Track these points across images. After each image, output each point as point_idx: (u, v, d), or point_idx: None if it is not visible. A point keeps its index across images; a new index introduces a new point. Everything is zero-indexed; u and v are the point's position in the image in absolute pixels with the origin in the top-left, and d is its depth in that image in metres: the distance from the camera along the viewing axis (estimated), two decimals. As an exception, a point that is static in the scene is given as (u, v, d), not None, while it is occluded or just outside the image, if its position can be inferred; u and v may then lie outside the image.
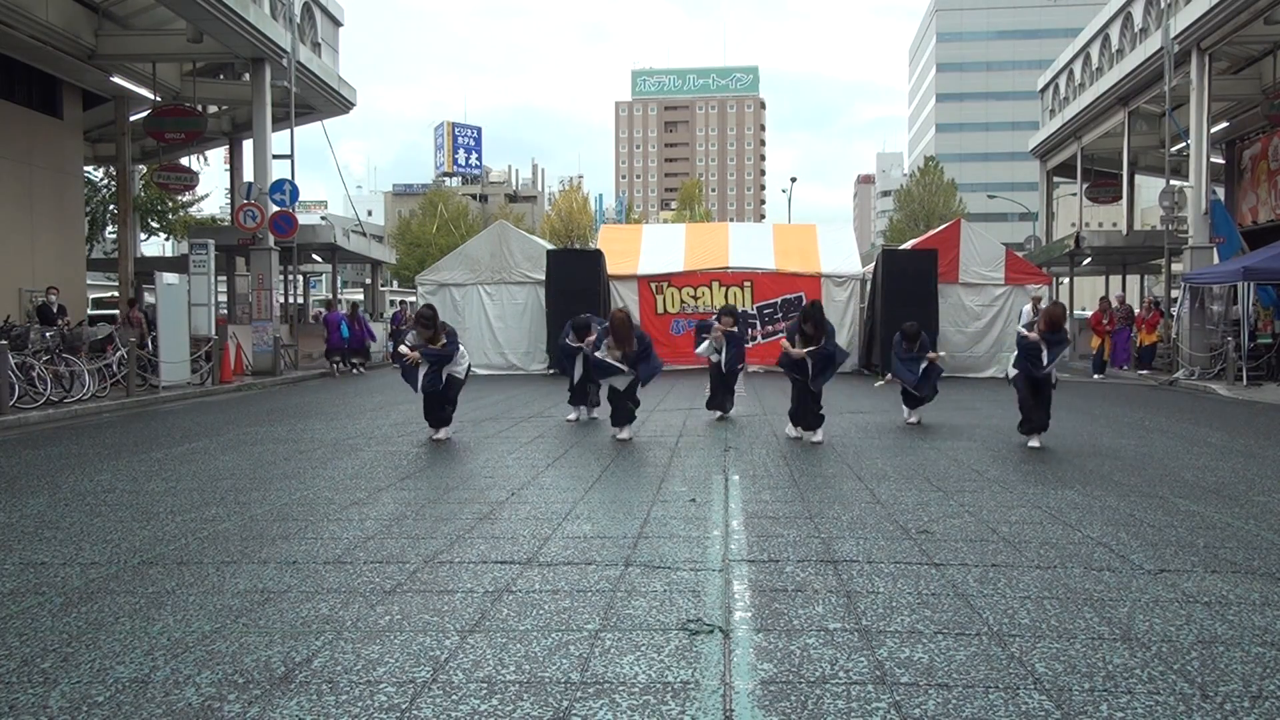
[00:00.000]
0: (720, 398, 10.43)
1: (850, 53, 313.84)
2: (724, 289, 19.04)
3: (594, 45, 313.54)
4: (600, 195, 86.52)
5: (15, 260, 19.40)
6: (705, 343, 10.19)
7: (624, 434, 8.81)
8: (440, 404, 8.91)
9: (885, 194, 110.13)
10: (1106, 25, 26.64)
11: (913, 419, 10.11)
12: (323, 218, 50.71)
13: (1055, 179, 34.44)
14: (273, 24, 19.36)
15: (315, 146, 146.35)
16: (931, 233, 22.05)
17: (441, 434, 8.90)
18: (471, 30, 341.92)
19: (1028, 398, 8.45)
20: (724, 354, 10.08)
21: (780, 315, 18.81)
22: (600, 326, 9.18)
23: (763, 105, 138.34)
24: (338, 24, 25.52)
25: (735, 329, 10.19)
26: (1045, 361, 8.34)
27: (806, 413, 8.71)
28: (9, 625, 3.44)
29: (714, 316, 10.49)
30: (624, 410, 8.89)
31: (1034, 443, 8.37)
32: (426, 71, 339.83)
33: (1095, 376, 19.15)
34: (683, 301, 19.13)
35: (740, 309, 17.80)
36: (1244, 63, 22.17)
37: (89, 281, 25.75)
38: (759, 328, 18.91)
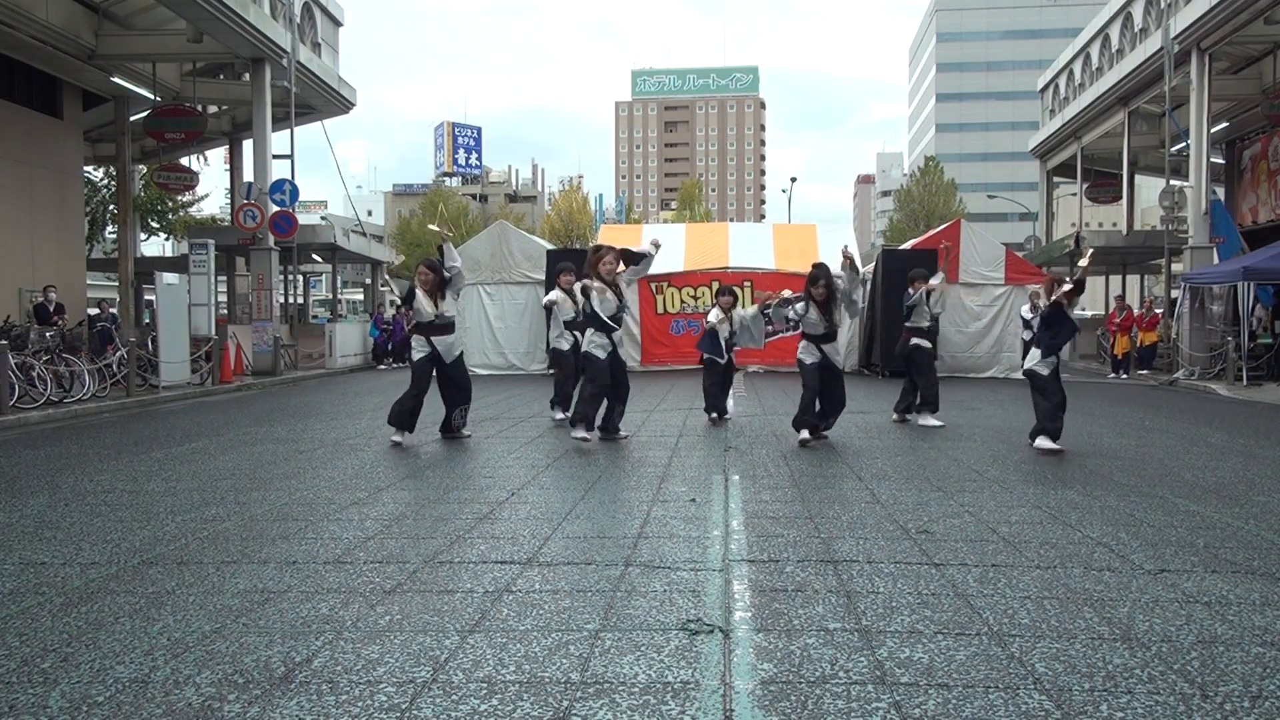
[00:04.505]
0: (717, 396, 10.19)
1: (861, 52, 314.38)
2: None
3: (602, 44, 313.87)
4: (600, 195, 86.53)
5: (15, 260, 19.41)
6: (707, 337, 10.00)
7: (580, 432, 8.11)
8: (457, 402, 8.74)
9: (885, 194, 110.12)
10: (1106, 25, 26.65)
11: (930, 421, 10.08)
12: (323, 218, 50.72)
13: (1055, 179, 34.48)
14: (273, 24, 19.37)
15: (316, 146, 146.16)
16: (931, 233, 22.05)
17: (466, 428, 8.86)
18: (479, 29, 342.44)
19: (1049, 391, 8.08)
20: (729, 336, 9.95)
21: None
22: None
23: (763, 105, 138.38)
24: (338, 24, 25.54)
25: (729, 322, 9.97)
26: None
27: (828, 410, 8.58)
28: (9, 625, 3.44)
29: (715, 299, 10.44)
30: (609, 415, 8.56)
31: (1044, 444, 8.01)
32: (434, 71, 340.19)
33: (1116, 376, 19.24)
34: (682, 301, 19.14)
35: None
36: (1244, 63, 22.18)
37: (89, 281, 25.76)
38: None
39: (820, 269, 8.51)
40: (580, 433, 8.13)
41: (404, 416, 8.44)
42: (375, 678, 2.91)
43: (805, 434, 8.31)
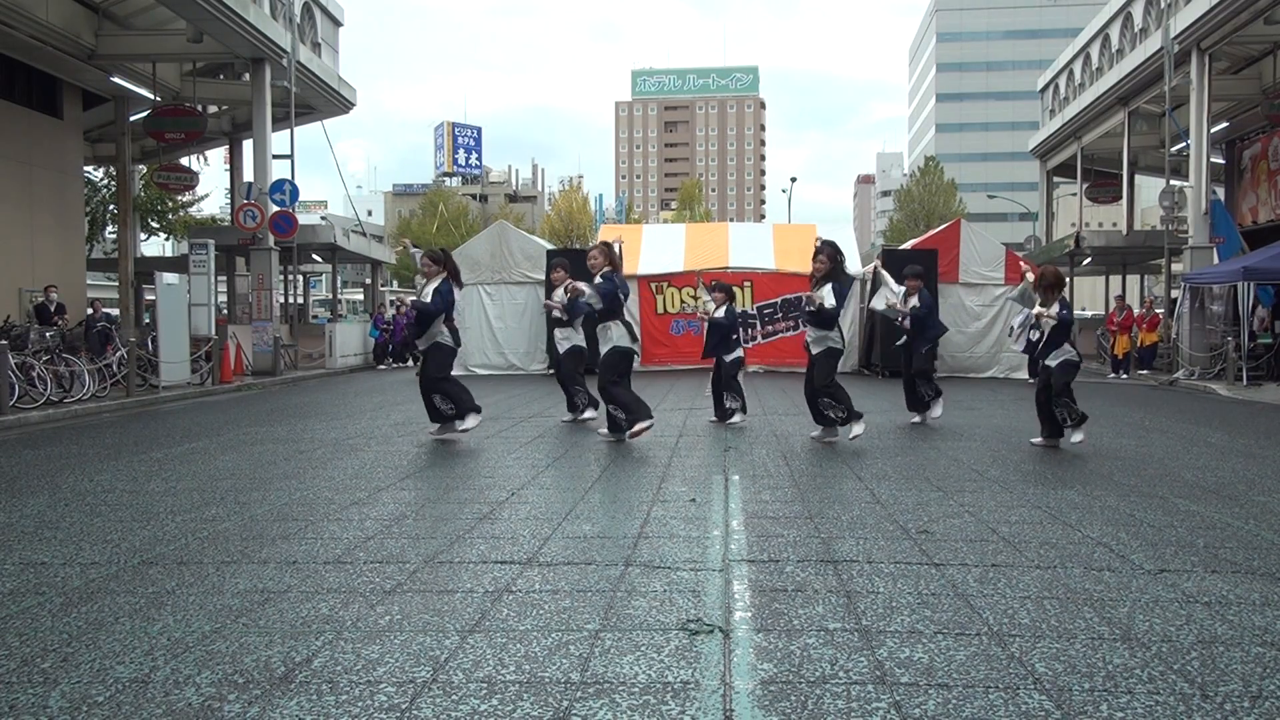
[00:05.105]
0: (716, 401, 10.01)
1: (861, 52, 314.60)
2: None
3: (602, 44, 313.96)
4: (600, 195, 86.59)
5: (15, 260, 19.42)
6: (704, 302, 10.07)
7: (604, 430, 8.53)
8: (426, 391, 8.55)
9: (885, 194, 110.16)
10: (1106, 25, 26.66)
11: (916, 419, 10.10)
12: (323, 218, 50.69)
13: (1055, 179, 34.48)
14: (273, 24, 19.37)
15: (316, 146, 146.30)
16: (931, 233, 22.05)
17: (447, 431, 8.60)
18: (479, 29, 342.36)
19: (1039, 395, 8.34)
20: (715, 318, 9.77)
21: (780, 315, 18.79)
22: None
23: (763, 105, 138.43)
24: (338, 24, 25.54)
25: (723, 312, 9.72)
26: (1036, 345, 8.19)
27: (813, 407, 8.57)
28: (9, 625, 3.44)
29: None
30: (611, 418, 8.45)
31: (1035, 440, 8.40)
32: (434, 71, 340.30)
33: (1116, 376, 19.24)
34: (683, 301, 19.12)
35: (740, 309, 17.77)
36: (1244, 63, 22.19)
37: (89, 281, 25.77)
38: (759, 328, 18.90)
39: (824, 243, 8.28)
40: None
41: (431, 411, 8.70)
42: (375, 678, 2.91)
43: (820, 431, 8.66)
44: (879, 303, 10.03)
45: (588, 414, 9.89)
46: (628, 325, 8.43)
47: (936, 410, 10.01)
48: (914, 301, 9.99)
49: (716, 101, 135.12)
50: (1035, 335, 8.25)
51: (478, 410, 8.54)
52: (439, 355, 8.52)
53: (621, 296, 8.47)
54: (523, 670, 2.97)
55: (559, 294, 9.72)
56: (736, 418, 9.88)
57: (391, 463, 7.40)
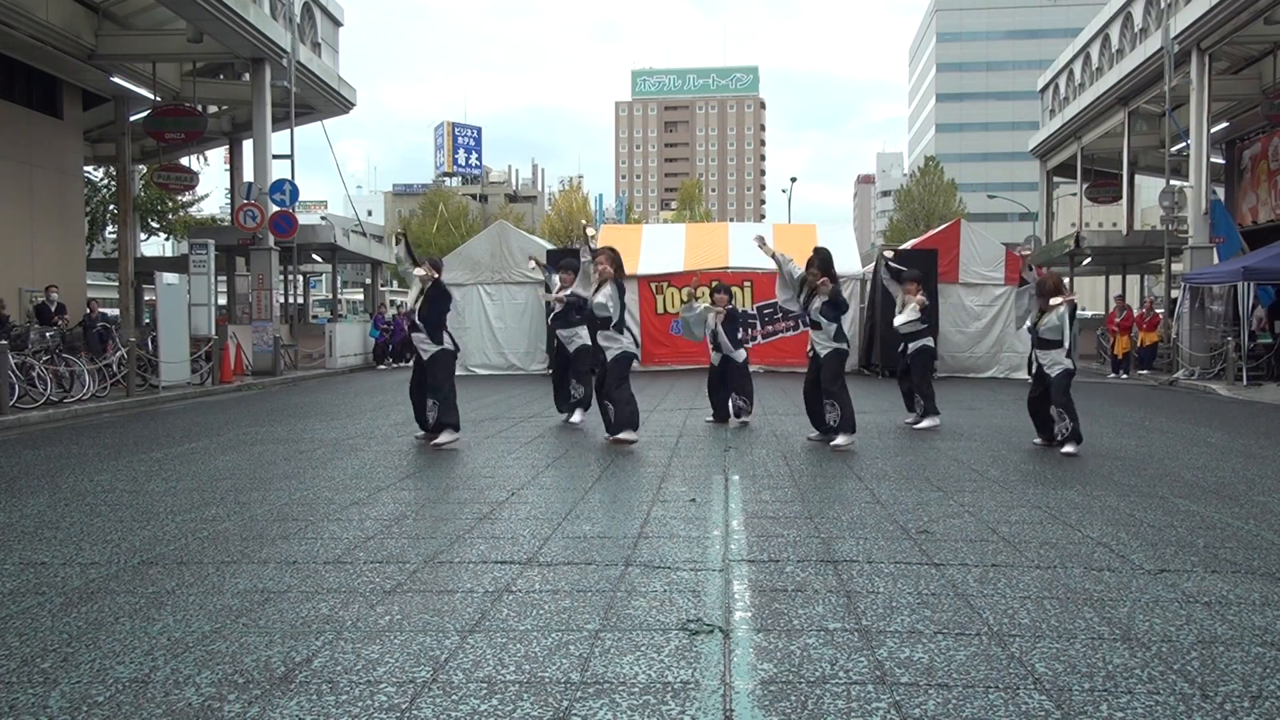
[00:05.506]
0: (716, 399, 9.95)
1: (861, 52, 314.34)
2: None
3: (603, 44, 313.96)
4: (600, 195, 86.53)
5: (15, 260, 19.42)
6: (695, 313, 9.72)
7: (623, 435, 8.15)
8: (420, 393, 8.48)
9: (885, 194, 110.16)
10: (1106, 25, 26.67)
11: (908, 419, 10.07)
12: (323, 218, 50.68)
13: (1055, 179, 34.49)
14: (273, 24, 19.37)
15: (316, 146, 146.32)
16: (931, 233, 22.05)
17: (439, 437, 8.23)
18: (479, 29, 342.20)
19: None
20: (719, 339, 9.71)
21: (780, 315, 18.77)
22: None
23: (763, 105, 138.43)
24: (338, 24, 25.54)
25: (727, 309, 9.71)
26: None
27: (816, 409, 8.52)
28: (9, 625, 3.44)
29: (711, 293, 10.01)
30: (613, 416, 8.30)
31: (1036, 440, 8.45)
32: (434, 71, 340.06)
33: (1116, 376, 19.23)
34: (682, 301, 19.11)
35: (740, 309, 17.76)
36: (1244, 63, 22.20)
37: (89, 281, 25.77)
38: (759, 328, 18.89)
39: (814, 252, 8.38)
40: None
41: (420, 418, 8.67)
42: (375, 678, 2.91)
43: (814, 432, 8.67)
44: (901, 320, 10.03)
45: (576, 416, 9.88)
46: (629, 331, 8.58)
47: (923, 423, 9.71)
48: (921, 298, 10.07)
49: (716, 101, 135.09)
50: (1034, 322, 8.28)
51: (457, 429, 8.40)
52: (446, 360, 8.48)
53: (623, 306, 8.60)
54: (523, 670, 2.97)
55: (569, 291, 9.41)
56: (745, 417, 9.92)
57: (391, 463, 7.40)
